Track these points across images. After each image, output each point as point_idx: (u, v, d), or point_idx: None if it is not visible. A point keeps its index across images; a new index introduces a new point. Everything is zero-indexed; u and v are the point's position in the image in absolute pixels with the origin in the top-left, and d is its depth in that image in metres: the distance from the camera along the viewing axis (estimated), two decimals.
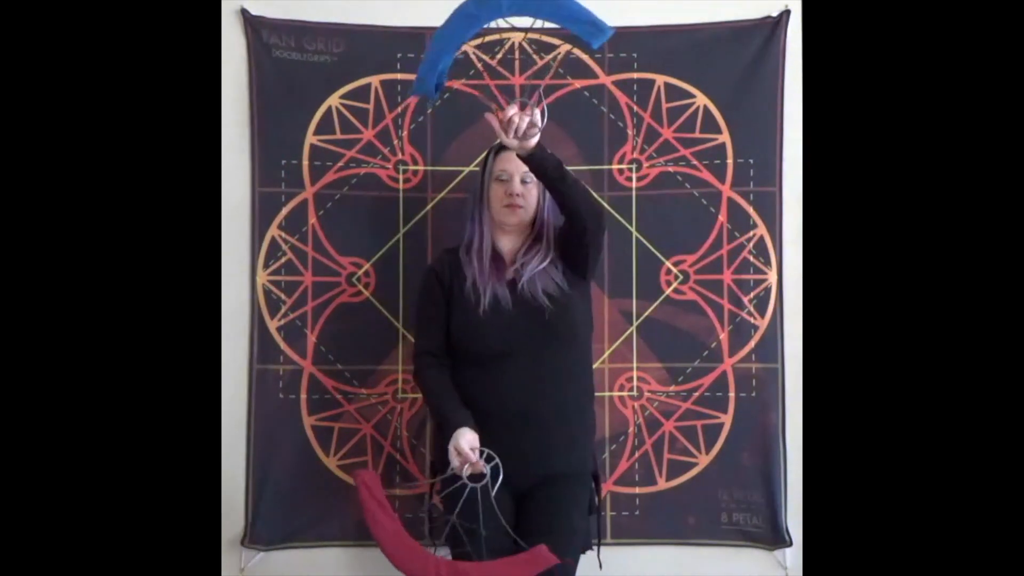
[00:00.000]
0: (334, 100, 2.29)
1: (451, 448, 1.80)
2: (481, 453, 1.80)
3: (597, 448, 2.23)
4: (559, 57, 2.30)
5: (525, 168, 1.93)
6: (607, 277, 2.28)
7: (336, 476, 2.25)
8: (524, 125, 1.75)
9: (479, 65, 2.30)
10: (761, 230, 2.30)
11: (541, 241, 1.98)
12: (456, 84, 2.28)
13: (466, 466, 1.78)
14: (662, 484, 2.27)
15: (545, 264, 1.95)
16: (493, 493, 1.77)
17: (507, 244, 2.01)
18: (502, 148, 1.99)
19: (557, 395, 1.90)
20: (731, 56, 2.30)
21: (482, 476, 1.78)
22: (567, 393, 1.92)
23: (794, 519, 2.26)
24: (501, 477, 1.79)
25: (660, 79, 2.31)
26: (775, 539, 2.26)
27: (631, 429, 2.28)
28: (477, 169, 2.26)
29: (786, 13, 2.30)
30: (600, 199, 2.26)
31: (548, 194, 1.96)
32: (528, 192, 1.97)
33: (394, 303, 2.28)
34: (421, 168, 2.29)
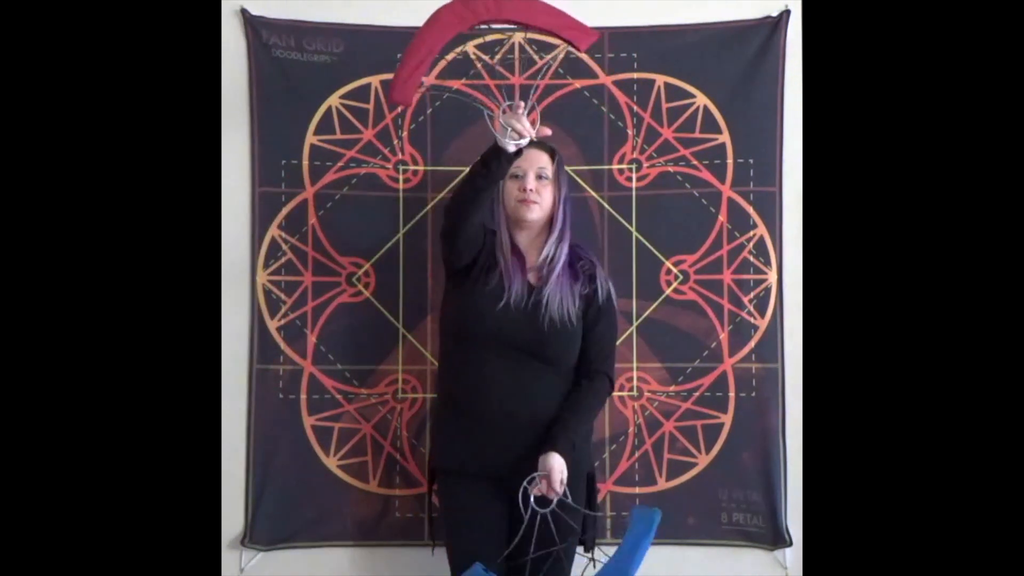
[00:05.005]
0: (334, 100, 2.29)
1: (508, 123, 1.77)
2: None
3: (597, 448, 2.23)
4: (559, 57, 2.30)
5: (540, 164, 1.96)
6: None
7: (336, 476, 2.26)
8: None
9: (479, 65, 2.30)
10: (761, 230, 2.30)
11: (562, 241, 1.98)
12: (456, 84, 2.28)
13: (518, 132, 1.77)
14: (662, 484, 2.27)
15: (566, 288, 1.95)
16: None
17: (524, 239, 2.01)
18: None
19: (548, 397, 1.91)
20: (731, 56, 2.30)
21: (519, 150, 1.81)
22: (557, 395, 1.93)
23: (794, 519, 2.25)
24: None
25: (660, 79, 2.31)
26: (775, 539, 2.26)
27: (631, 429, 2.28)
28: None
29: (786, 13, 2.30)
30: (601, 200, 2.27)
31: (565, 200, 1.99)
32: (543, 188, 1.97)
33: (394, 303, 2.28)
34: (421, 168, 2.29)
